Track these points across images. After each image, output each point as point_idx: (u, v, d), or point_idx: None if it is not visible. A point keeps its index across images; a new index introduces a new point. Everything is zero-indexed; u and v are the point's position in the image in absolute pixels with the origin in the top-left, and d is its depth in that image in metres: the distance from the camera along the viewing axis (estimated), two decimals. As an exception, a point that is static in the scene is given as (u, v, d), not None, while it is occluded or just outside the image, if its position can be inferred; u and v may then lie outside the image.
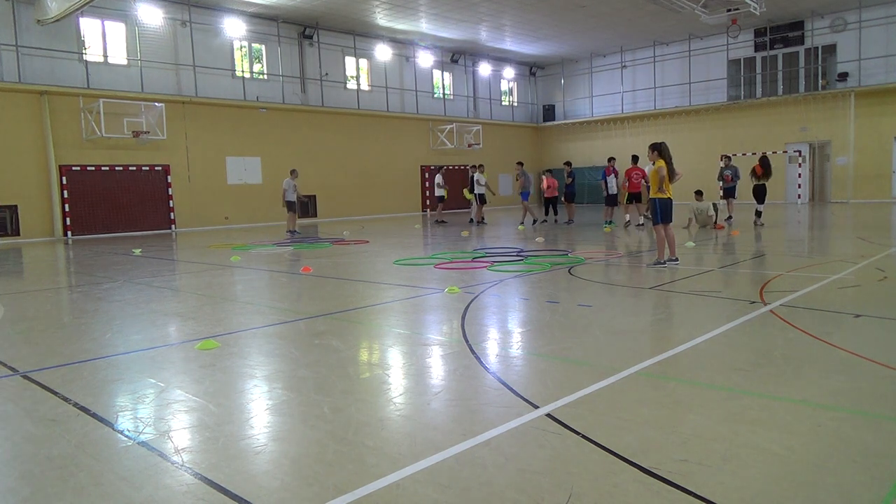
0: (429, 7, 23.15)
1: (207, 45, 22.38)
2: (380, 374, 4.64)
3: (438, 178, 21.70)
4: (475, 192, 20.52)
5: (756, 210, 16.14)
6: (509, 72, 33.16)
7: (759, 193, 15.94)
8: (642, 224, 16.53)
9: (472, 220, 20.82)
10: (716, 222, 15.31)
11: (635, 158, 16.62)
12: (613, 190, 17.72)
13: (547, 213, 20.34)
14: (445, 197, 21.87)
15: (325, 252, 13.30)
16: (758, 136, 26.92)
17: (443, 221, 21.68)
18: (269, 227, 22.00)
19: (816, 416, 3.50)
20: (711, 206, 15.40)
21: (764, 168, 15.63)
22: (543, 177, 20.78)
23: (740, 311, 6.11)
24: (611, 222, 17.45)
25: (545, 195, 20.03)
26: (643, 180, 15.85)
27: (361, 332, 6.06)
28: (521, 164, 20.84)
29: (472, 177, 20.84)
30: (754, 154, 25.79)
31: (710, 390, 3.96)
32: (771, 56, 27.19)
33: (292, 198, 17.92)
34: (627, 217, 16.66)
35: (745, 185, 17.38)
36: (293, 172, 18.12)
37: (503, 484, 2.79)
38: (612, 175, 17.81)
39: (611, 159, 18.52)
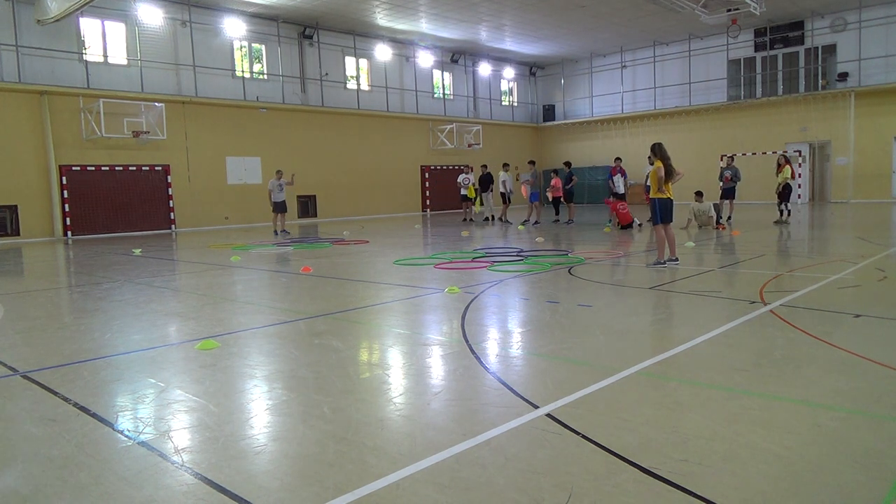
0: (429, 7, 23.14)
1: (207, 45, 22.38)
2: (380, 374, 4.64)
3: (466, 179, 22.11)
4: (501, 191, 20.81)
5: (789, 209, 16.75)
6: (509, 72, 33.14)
7: (788, 192, 16.69)
8: (641, 224, 16.52)
9: (495, 217, 21.25)
10: (718, 222, 15.32)
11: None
12: (620, 189, 17.54)
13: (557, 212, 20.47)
14: (470, 196, 22.47)
15: (325, 252, 13.30)
16: (758, 136, 26.92)
17: (485, 219, 21.93)
18: (269, 227, 21.94)
19: (816, 416, 3.50)
20: (712, 207, 15.44)
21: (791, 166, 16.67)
22: (552, 176, 20.83)
23: (740, 311, 6.10)
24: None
25: (551, 195, 20.06)
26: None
27: (361, 332, 6.06)
28: (533, 163, 21.06)
29: (499, 175, 21.17)
30: (754, 154, 25.86)
31: (710, 390, 3.95)
32: (771, 56, 27.18)
33: (280, 198, 17.97)
34: (638, 222, 16.59)
35: (772, 186, 17.62)
36: (278, 173, 18.20)
37: (503, 484, 2.78)
38: (619, 174, 17.65)
39: (617, 159, 18.45)
